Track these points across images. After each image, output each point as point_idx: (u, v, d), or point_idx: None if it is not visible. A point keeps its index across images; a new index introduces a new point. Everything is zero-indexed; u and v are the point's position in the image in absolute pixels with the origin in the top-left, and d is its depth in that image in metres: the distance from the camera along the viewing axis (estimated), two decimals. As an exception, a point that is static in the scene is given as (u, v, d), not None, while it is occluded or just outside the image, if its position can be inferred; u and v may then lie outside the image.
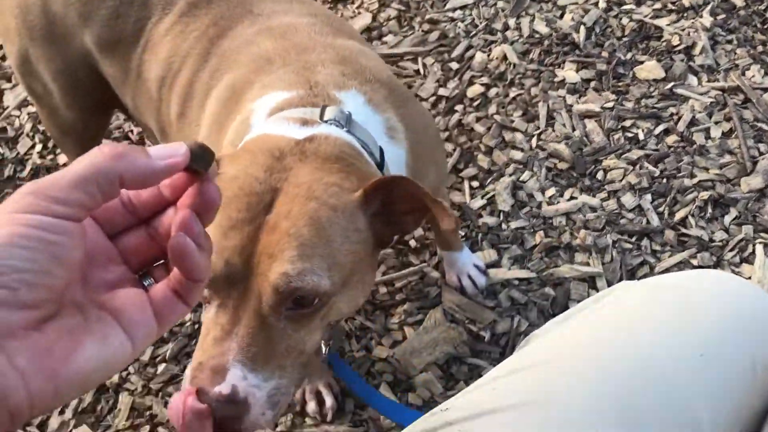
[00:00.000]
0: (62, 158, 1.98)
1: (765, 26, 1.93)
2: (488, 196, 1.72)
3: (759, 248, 1.57)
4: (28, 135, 2.05)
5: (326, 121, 0.93)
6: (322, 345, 1.21)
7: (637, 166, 1.72)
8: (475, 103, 1.89)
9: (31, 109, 2.10)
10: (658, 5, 1.99)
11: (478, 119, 1.85)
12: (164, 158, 0.49)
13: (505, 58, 1.95)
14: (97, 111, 1.48)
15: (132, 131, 1.98)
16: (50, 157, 1.99)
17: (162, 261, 0.53)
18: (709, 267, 1.55)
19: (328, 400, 1.46)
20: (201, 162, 0.51)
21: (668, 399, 0.65)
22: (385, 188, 0.84)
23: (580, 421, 0.62)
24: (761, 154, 1.70)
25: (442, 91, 1.92)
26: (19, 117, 2.09)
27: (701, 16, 1.95)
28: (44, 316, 0.45)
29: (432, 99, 1.91)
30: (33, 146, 2.03)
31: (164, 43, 1.22)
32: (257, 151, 0.86)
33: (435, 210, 0.82)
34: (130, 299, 0.49)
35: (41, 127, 2.05)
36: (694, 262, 1.57)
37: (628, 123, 1.80)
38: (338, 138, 0.91)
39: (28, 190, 0.45)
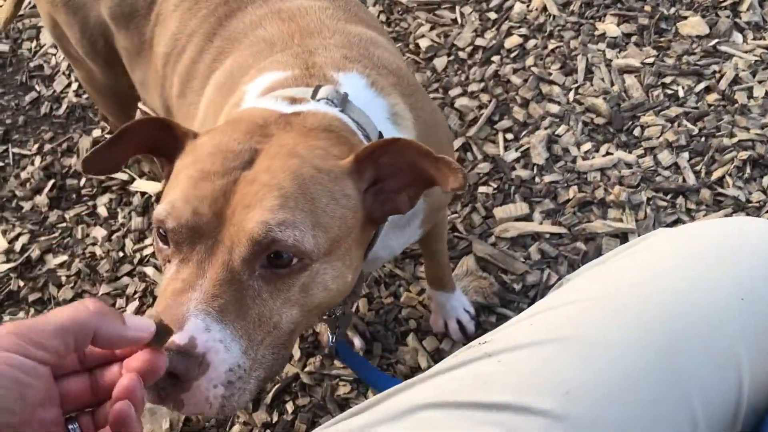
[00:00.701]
0: (97, 98, 1.99)
1: (816, -16, 1.86)
2: (522, 148, 1.71)
3: (797, 210, 1.54)
4: (64, 73, 2.06)
5: (318, 100, 0.86)
6: (328, 333, 1.21)
7: (676, 124, 1.69)
8: (513, 55, 1.86)
9: (67, 47, 2.10)
10: (705, -41, 1.93)
11: (515, 71, 1.83)
12: (136, 330, 0.56)
13: (544, 9, 1.91)
14: (123, 80, 1.43)
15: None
16: (86, 96, 2.00)
17: (90, 409, 0.57)
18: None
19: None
20: (160, 337, 0.58)
21: (709, 340, 0.65)
22: (379, 153, 0.77)
23: (620, 357, 0.63)
24: (805, 115, 1.66)
25: (479, 41, 1.89)
26: (55, 55, 2.10)
27: (750, -28, 1.89)
28: None
29: (469, 49, 1.89)
30: (69, 84, 2.04)
31: (173, 18, 1.18)
32: (240, 119, 0.82)
33: (439, 167, 0.73)
34: None
35: (77, 66, 2.06)
36: (730, 222, 1.55)
37: (668, 79, 1.76)
38: (327, 113, 0.84)
39: (12, 330, 0.49)
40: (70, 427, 0.56)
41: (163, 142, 0.83)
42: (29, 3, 2.19)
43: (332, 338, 1.18)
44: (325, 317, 1.15)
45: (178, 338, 0.65)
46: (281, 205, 0.71)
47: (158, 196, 1.79)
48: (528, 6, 1.93)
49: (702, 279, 0.69)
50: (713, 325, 0.66)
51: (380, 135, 0.90)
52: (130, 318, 0.57)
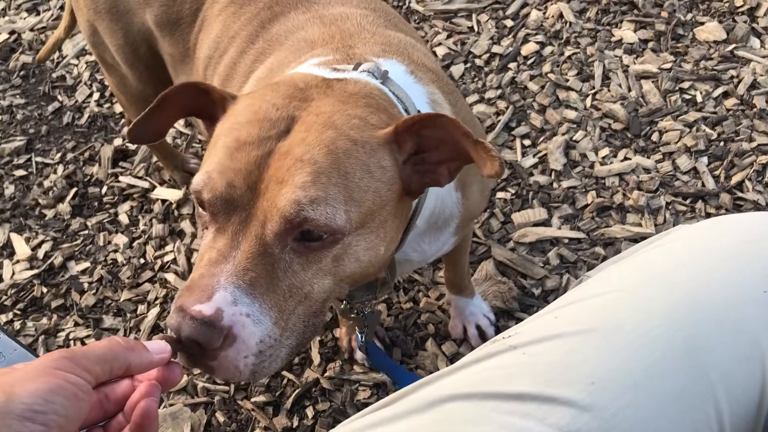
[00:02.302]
0: (118, 107, 2.02)
1: (834, -12, 1.86)
2: (540, 154, 1.71)
3: (818, 214, 1.53)
4: (86, 84, 2.09)
5: (360, 72, 0.87)
6: (357, 332, 1.21)
7: (694, 129, 1.69)
8: (530, 61, 1.87)
9: (90, 58, 2.14)
10: (722, -35, 1.94)
11: (531, 77, 1.83)
12: (158, 353, 0.64)
13: (561, 16, 1.92)
14: (160, 85, 1.46)
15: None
16: (107, 105, 2.04)
17: (102, 424, 0.63)
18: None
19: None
20: (173, 352, 0.66)
21: (734, 332, 0.65)
22: (421, 126, 0.76)
23: (646, 348, 0.63)
24: (824, 119, 1.66)
25: (495, 49, 1.90)
26: (77, 66, 2.14)
27: (767, -23, 1.89)
28: None
29: (485, 56, 1.90)
30: (90, 95, 2.07)
31: (217, 22, 1.20)
32: (281, 82, 0.82)
33: (477, 151, 0.73)
34: None
35: (99, 76, 2.09)
36: (750, 225, 1.54)
37: (686, 85, 1.76)
38: (369, 82, 0.84)
39: (65, 355, 0.58)
40: None
41: (203, 106, 0.84)
42: (51, 15, 2.23)
43: (362, 338, 1.18)
44: (353, 315, 1.15)
45: (205, 308, 0.67)
46: (314, 181, 0.70)
47: (179, 204, 1.81)
48: (544, 13, 1.94)
49: (725, 272, 0.69)
50: (737, 318, 0.66)
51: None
52: (150, 344, 0.65)
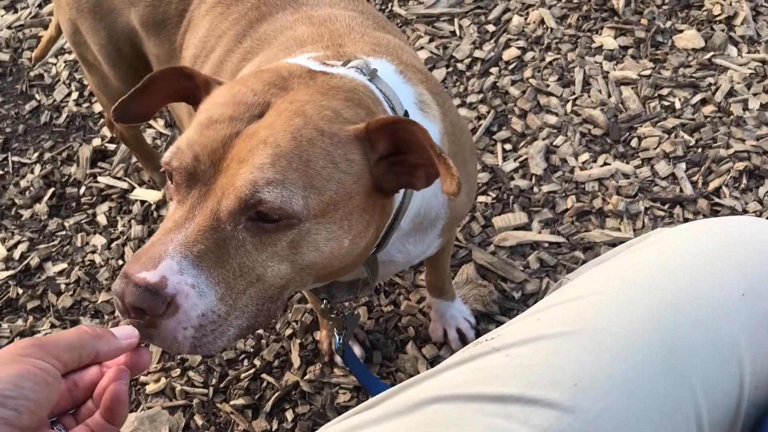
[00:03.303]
0: (97, 107, 2.00)
1: (809, -1, 1.90)
2: (521, 159, 1.72)
3: (793, 220, 1.56)
4: (64, 83, 2.07)
5: (349, 68, 0.87)
6: (335, 334, 1.21)
7: (673, 135, 1.71)
8: (511, 67, 1.88)
9: (69, 57, 2.12)
10: (700, -26, 1.97)
11: (513, 82, 1.85)
12: (125, 338, 0.65)
13: (542, 22, 1.94)
14: None
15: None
16: (86, 105, 2.01)
17: (71, 411, 0.64)
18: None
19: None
20: (141, 336, 0.67)
21: (713, 335, 0.66)
22: (392, 128, 0.76)
23: (628, 350, 0.63)
24: (799, 127, 1.69)
25: (477, 53, 1.91)
26: (56, 65, 2.11)
27: (744, -13, 1.92)
28: None
29: (467, 61, 1.91)
30: (69, 94, 2.05)
31: (204, 22, 1.20)
32: (265, 70, 0.82)
33: (439, 166, 0.73)
34: None
35: (78, 75, 2.07)
36: (727, 231, 1.56)
37: (664, 91, 1.78)
38: (355, 78, 0.84)
39: (34, 343, 0.59)
40: (55, 428, 0.62)
41: (189, 91, 0.85)
42: (30, 13, 2.20)
43: (339, 339, 1.18)
44: (332, 316, 1.15)
45: (150, 276, 0.67)
46: (273, 163, 0.71)
47: (158, 205, 1.80)
48: (526, 19, 1.96)
49: (706, 275, 0.70)
50: (717, 321, 0.67)
51: (406, 114, 0.90)
52: (117, 331, 0.66)
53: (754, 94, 1.75)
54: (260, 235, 0.73)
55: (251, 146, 0.72)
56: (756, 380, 0.68)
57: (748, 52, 1.83)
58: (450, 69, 1.91)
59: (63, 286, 1.70)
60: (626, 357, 0.63)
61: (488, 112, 1.80)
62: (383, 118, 0.76)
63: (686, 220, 1.59)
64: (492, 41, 1.93)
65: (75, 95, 2.03)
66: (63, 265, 1.73)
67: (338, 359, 1.49)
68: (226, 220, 0.71)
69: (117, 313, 0.66)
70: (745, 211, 1.59)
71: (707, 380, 0.65)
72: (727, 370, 0.66)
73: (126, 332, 0.66)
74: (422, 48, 1.95)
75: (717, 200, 1.60)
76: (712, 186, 1.63)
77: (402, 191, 0.87)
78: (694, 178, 1.64)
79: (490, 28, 1.96)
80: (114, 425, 0.63)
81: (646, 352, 0.64)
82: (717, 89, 1.77)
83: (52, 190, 1.86)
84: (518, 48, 1.90)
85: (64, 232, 1.79)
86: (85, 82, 2.03)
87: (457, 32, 1.97)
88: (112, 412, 0.62)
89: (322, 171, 0.74)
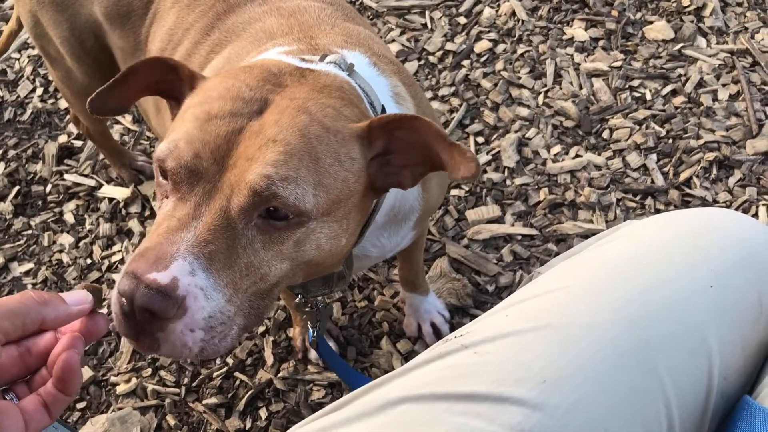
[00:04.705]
0: (63, 103, 1.96)
1: (776, -10, 1.91)
2: (493, 152, 1.72)
3: (762, 210, 1.57)
4: (28, 78, 2.02)
5: (327, 63, 0.87)
6: (309, 327, 1.20)
7: (644, 126, 1.72)
8: (483, 59, 1.87)
9: (32, 51, 2.07)
10: (669, -35, 1.97)
11: (485, 75, 1.84)
12: (77, 304, 0.62)
13: (513, 14, 1.93)
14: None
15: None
16: (51, 101, 1.97)
17: (25, 379, 0.61)
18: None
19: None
20: (97, 300, 0.64)
21: (681, 325, 0.66)
22: (395, 125, 0.76)
23: (597, 344, 0.63)
24: (767, 117, 1.70)
25: (449, 46, 1.90)
26: (19, 60, 2.07)
27: (713, -22, 1.93)
28: None
29: (439, 53, 1.90)
30: (34, 90, 2.00)
31: (170, 15, 1.17)
32: (254, 66, 0.81)
33: (451, 154, 0.72)
34: (5, 410, 0.56)
35: (42, 71, 2.02)
36: (697, 221, 1.57)
37: (635, 83, 1.79)
38: (338, 75, 0.84)
39: None
40: (6, 397, 0.59)
41: (169, 84, 0.82)
42: (-8, 8, 2.15)
43: (313, 332, 1.17)
44: (307, 309, 1.14)
45: (161, 277, 0.65)
46: (285, 161, 0.70)
47: (126, 202, 1.76)
48: (497, 11, 1.95)
49: (674, 268, 0.70)
50: (685, 313, 0.66)
51: (383, 109, 0.89)
52: (67, 296, 0.62)
53: (723, 85, 1.76)
54: (270, 233, 0.72)
55: (259, 144, 0.70)
56: (724, 371, 0.68)
57: (717, 43, 1.84)
58: (422, 62, 1.90)
59: (30, 287, 1.66)
60: (595, 350, 0.63)
61: (460, 105, 1.80)
62: (386, 116, 0.76)
63: (658, 211, 1.60)
64: (463, 34, 1.92)
65: (40, 91, 1.99)
66: (29, 265, 1.70)
67: (312, 355, 1.48)
68: (236, 217, 0.70)
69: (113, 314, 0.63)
70: (715, 201, 1.60)
71: (676, 372, 0.65)
72: (696, 362, 0.66)
73: (77, 297, 0.63)
74: (394, 41, 1.93)
75: (688, 191, 1.61)
76: (682, 177, 1.63)
77: None
78: (665, 169, 1.65)
79: (462, 20, 1.95)
80: (66, 395, 0.60)
81: (615, 347, 0.63)
82: (687, 80, 1.78)
83: (17, 188, 1.82)
84: (490, 40, 1.90)
85: (30, 232, 1.76)
86: (50, 78, 1.99)
87: (429, 25, 1.96)
88: (64, 381, 0.60)
89: (329, 169, 0.73)
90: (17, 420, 0.57)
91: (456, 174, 0.72)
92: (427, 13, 1.98)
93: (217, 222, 0.69)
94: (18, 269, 1.69)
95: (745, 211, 1.58)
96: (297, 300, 1.11)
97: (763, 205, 1.58)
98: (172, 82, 0.82)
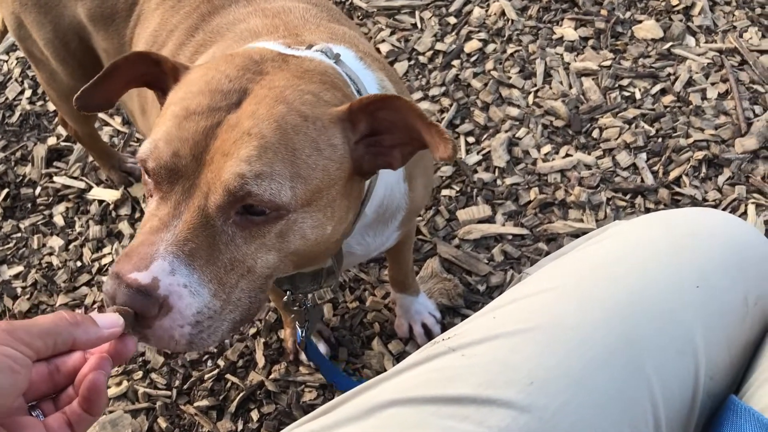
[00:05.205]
0: (52, 105, 1.95)
1: (764, -12, 1.92)
2: (484, 152, 1.72)
3: (751, 208, 1.58)
4: (17, 80, 2.01)
5: (314, 52, 0.87)
6: (297, 327, 1.20)
7: (633, 125, 1.72)
8: (473, 59, 1.87)
9: (20, 54, 2.06)
10: (658, -35, 1.98)
11: (475, 75, 1.84)
12: (108, 327, 0.62)
13: (503, 13, 1.94)
14: None
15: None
16: (40, 103, 1.96)
17: (52, 396, 0.62)
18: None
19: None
20: (127, 325, 0.65)
21: (668, 326, 0.66)
22: (376, 106, 0.76)
23: (584, 345, 0.63)
24: (756, 115, 1.71)
25: (439, 46, 1.90)
26: (7, 62, 2.05)
27: (701, -23, 1.94)
28: None
29: (429, 53, 1.90)
30: (22, 92, 1.99)
31: (154, 16, 1.18)
32: (236, 55, 0.80)
33: (430, 134, 0.72)
34: (31, 426, 0.58)
35: (31, 73, 2.01)
36: (687, 220, 1.58)
37: (625, 82, 1.79)
38: (324, 61, 0.84)
39: (4, 327, 0.56)
40: (33, 413, 0.60)
41: (155, 77, 0.82)
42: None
43: (302, 332, 1.16)
44: (295, 308, 1.14)
45: (141, 277, 0.66)
46: (259, 155, 0.70)
47: (116, 204, 1.76)
48: (487, 11, 1.95)
49: (661, 267, 0.70)
50: (672, 313, 0.67)
51: None
52: (99, 318, 0.63)
53: (712, 84, 1.77)
54: (249, 228, 0.72)
55: (235, 138, 0.70)
56: (711, 371, 0.68)
57: (706, 42, 1.84)
58: (412, 62, 1.90)
59: (19, 290, 1.66)
60: (582, 352, 0.63)
61: (451, 105, 1.80)
62: (366, 97, 0.76)
63: (647, 209, 1.60)
64: (453, 33, 1.92)
65: (28, 93, 1.98)
66: (19, 268, 1.69)
67: (304, 357, 1.48)
68: (215, 215, 0.70)
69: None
70: (704, 200, 1.60)
71: (664, 372, 0.65)
72: (683, 362, 0.66)
73: (109, 321, 0.64)
74: (384, 41, 1.93)
75: (677, 189, 1.62)
76: (672, 175, 1.64)
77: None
78: (655, 168, 1.66)
79: (452, 20, 1.95)
80: (91, 415, 0.61)
81: (603, 346, 0.64)
82: (676, 79, 1.78)
83: (6, 191, 1.81)
84: (480, 40, 1.90)
85: (19, 234, 1.75)
86: (48, 97, 1.98)
87: (419, 25, 1.96)
88: (89, 402, 0.60)
89: (308, 159, 0.73)
90: None
91: (436, 153, 0.72)
92: (416, 13, 1.98)
93: (196, 220, 0.70)
94: (7, 272, 1.68)
95: (735, 210, 1.59)
96: (285, 298, 1.11)
97: (752, 203, 1.58)
98: (157, 74, 0.82)
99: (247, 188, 0.69)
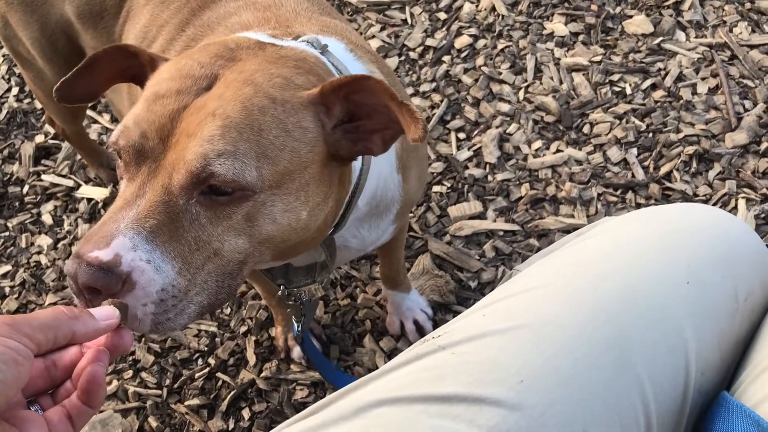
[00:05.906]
0: (39, 103, 1.93)
1: (754, -17, 1.92)
2: (475, 147, 1.72)
3: (741, 203, 1.58)
4: (3, 78, 2.00)
5: (299, 42, 0.86)
6: (294, 322, 1.20)
7: (624, 120, 1.72)
8: (463, 54, 1.86)
9: (6, 51, 2.04)
10: (648, -41, 1.97)
11: (465, 70, 1.84)
12: (105, 319, 0.63)
13: (493, 9, 1.93)
14: None
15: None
16: (27, 101, 1.95)
17: (50, 391, 0.63)
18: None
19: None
20: (123, 315, 0.65)
21: (657, 322, 0.66)
22: (348, 88, 0.75)
23: (574, 342, 0.63)
24: (746, 110, 1.71)
25: (429, 42, 1.90)
26: (-6, 59, 2.04)
27: (691, -28, 1.94)
28: None
29: (419, 49, 1.89)
30: (9, 89, 1.98)
31: (144, 12, 1.17)
32: (212, 43, 0.81)
33: (402, 113, 0.71)
34: (31, 420, 0.58)
35: (18, 70, 1.99)
36: (678, 215, 1.58)
37: (615, 77, 1.79)
38: (306, 50, 0.83)
39: (6, 321, 0.57)
40: (31, 408, 0.61)
41: (137, 70, 0.83)
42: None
43: (298, 327, 1.16)
44: (290, 302, 1.13)
45: (103, 254, 0.65)
46: (223, 134, 0.69)
47: (105, 202, 1.75)
48: (477, 6, 1.95)
49: (650, 263, 0.70)
50: (662, 309, 0.66)
51: None
52: (96, 312, 0.63)
53: (702, 79, 1.77)
54: (214, 208, 0.71)
55: (200, 119, 0.70)
56: (702, 367, 0.68)
57: (696, 37, 1.84)
58: (402, 58, 1.89)
59: (8, 290, 1.64)
60: (572, 349, 0.63)
61: (441, 101, 1.79)
62: (337, 79, 0.75)
63: (638, 205, 1.60)
64: (444, 29, 1.92)
65: (15, 90, 1.96)
66: (7, 267, 1.68)
67: (295, 354, 1.47)
68: (178, 194, 0.70)
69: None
70: (695, 195, 1.60)
71: (654, 369, 0.65)
72: (673, 359, 0.66)
73: (105, 313, 0.64)
74: (374, 37, 1.93)
75: (668, 184, 1.62)
76: (663, 170, 1.64)
77: (359, 167, 0.87)
78: (646, 163, 1.66)
79: (442, 15, 1.94)
80: (90, 408, 0.61)
81: (592, 343, 0.63)
82: (666, 74, 1.78)
83: (-7, 189, 1.80)
84: (470, 36, 1.89)
85: (7, 233, 1.73)
86: (35, 96, 1.96)
87: (409, 20, 1.95)
88: (89, 394, 0.61)
89: (275, 140, 0.72)
90: (42, 430, 0.58)
91: (408, 134, 0.71)
92: (407, 8, 1.97)
93: (159, 198, 0.69)
94: (-5, 272, 1.67)
95: (725, 204, 1.59)
96: (279, 293, 1.11)
97: (743, 198, 1.58)
98: (137, 67, 0.82)
99: (210, 169, 0.68)
